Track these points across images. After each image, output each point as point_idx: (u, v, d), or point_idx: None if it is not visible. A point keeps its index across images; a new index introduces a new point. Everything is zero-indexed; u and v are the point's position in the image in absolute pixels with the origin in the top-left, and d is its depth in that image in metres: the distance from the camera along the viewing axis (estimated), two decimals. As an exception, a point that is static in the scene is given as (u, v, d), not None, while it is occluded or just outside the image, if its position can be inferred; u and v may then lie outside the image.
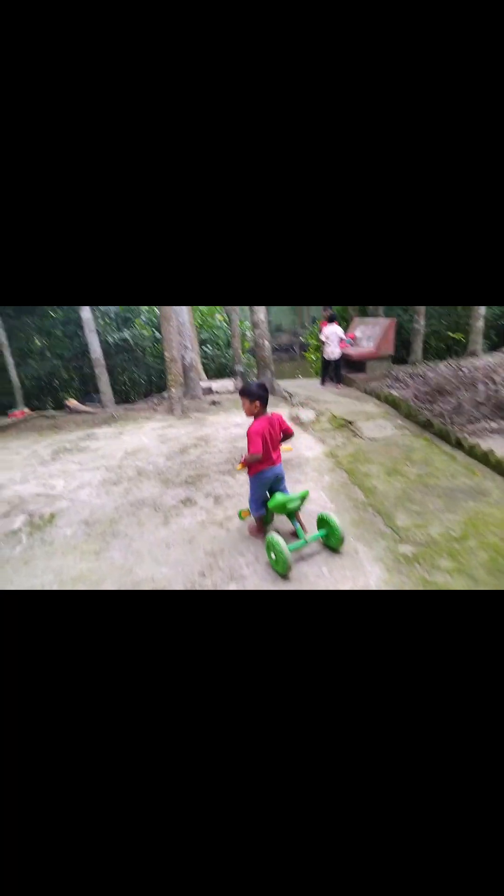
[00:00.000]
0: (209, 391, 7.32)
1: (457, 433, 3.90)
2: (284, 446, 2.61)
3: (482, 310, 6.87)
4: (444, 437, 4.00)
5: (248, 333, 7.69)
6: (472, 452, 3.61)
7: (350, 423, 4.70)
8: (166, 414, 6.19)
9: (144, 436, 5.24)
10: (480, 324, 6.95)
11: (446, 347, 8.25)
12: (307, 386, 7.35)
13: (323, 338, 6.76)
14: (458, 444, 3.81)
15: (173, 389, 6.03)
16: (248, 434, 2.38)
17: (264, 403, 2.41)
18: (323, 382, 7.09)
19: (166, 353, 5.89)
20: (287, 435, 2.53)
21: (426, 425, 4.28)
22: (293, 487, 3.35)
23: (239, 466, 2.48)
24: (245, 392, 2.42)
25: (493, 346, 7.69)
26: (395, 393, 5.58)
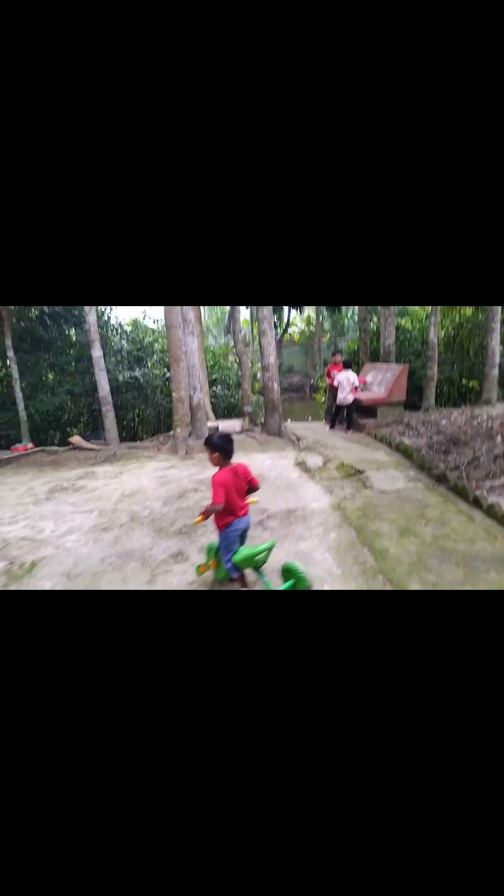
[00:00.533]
0: (215, 430, 7.20)
1: (474, 490, 3.62)
2: (250, 498, 2.51)
3: (497, 357, 6.74)
4: (460, 493, 3.71)
5: (260, 374, 7.75)
6: (492, 512, 3.31)
7: (360, 472, 4.46)
8: (170, 454, 6.04)
9: (145, 476, 5.05)
10: (495, 372, 6.80)
11: (458, 394, 8.08)
12: (316, 429, 7.19)
13: (335, 383, 6.67)
14: (476, 503, 3.51)
15: (178, 429, 5.90)
16: (212, 484, 2.28)
17: (226, 455, 2.35)
18: (332, 426, 6.93)
19: (174, 393, 5.82)
20: (252, 487, 2.47)
21: (441, 479, 4.01)
22: (296, 544, 3.07)
23: (198, 519, 2.30)
24: (207, 443, 2.37)
25: (507, 396, 7.50)
26: (406, 441, 5.35)
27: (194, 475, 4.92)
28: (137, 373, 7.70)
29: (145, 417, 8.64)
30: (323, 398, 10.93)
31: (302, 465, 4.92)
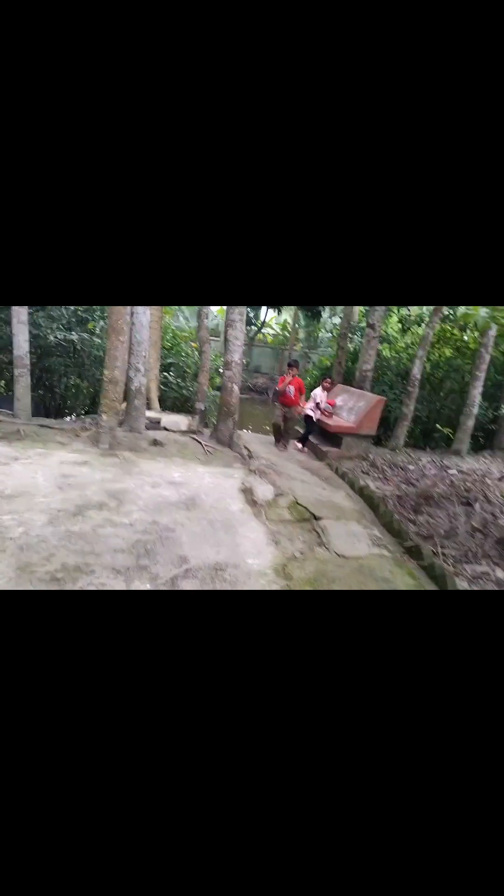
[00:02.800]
0: (156, 424, 6.05)
1: (453, 576, 2.86)
2: None
3: (475, 408, 6.25)
4: (434, 577, 2.94)
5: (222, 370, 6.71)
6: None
7: (315, 517, 3.58)
8: (90, 444, 4.83)
9: (44, 470, 3.82)
10: (471, 423, 6.31)
11: (425, 438, 7.58)
12: (272, 446, 6.28)
13: (312, 404, 6.03)
14: (455, 594, 2.75)
15: (104, 416, 4.71)
16: None
17: None
18: (303, 444, 6.15)
19: (106, 371, 4.62)
20: None
21: (412, 552, 3.23)
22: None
23: None
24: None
25: (475, 448, 7.09)
26: (372, 486, 4.58)
27: (109, 482, 3.78)
28: (74, 335, 6.33)
29: (75, 391, 7.25)
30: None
31: (248, 494, 3.96)
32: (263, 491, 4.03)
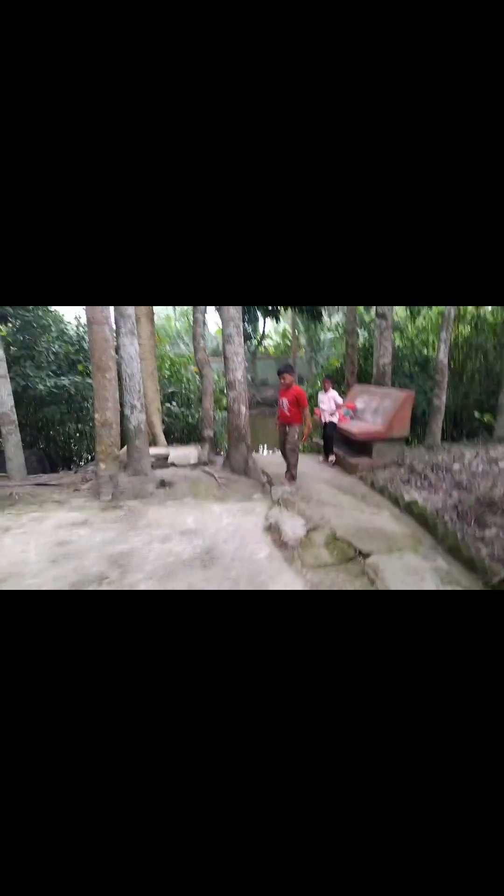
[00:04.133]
0: (163, 461, 5.51)
1: None
2: None
3: (515, 388, 5.48)
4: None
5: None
6: None
7: (362, 554, 2.91)
8: (91, 497, 4.30)
9: (38, 539, 3.29)
10: (512, 405, 5.53)
11: (463, 429, 6.82)
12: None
13: (324, 406, 5.34)
14: None
15: (102, 465, 4.18)
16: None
17: None
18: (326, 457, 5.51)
19: (97, 415, 4.12)
20: None
21: (496, 587, 2.51)
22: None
23: None
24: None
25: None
26: (419, 499, 3.87)
27: (111, 543, 3.21)
28: (66, 380, 5.93)
29: (78, 437, 6.82)
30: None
31: (275, 533, 3.32)
32: (293, 526, 3.38)
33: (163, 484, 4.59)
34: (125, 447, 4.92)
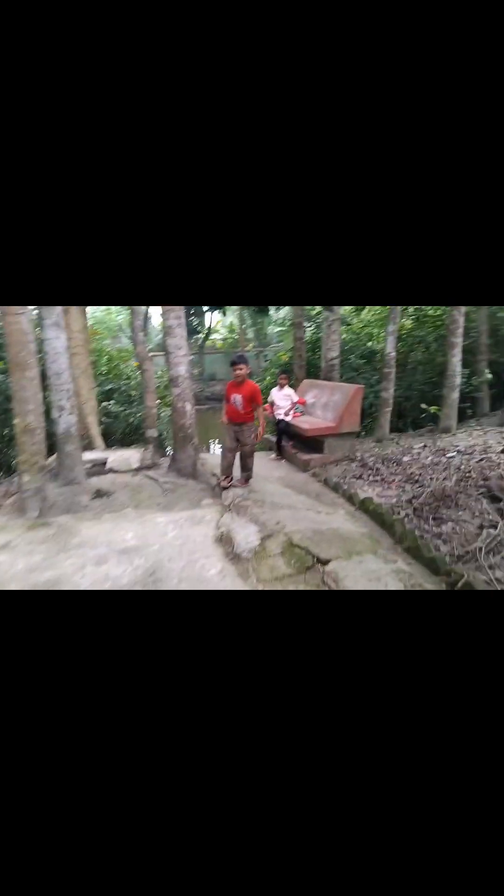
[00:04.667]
0: (101, 466, 5.00)
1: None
2: None
3: (458, 378, 5.61)
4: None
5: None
6: None
7: (321, 561, 2.70)
8: (14, 514, 3.75)
9: None
10: (455, 395, 5.66)
11: (399, 418, 6.92)
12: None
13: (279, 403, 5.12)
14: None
15: (26, 476, 3.65)
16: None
17: None
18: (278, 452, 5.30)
19: (17, 420, 3.57)
20: None
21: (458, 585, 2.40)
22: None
23: None
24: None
25: (460, 421, 6.47)
26: (373, 495, 3.76)
27: (38, 570, 2.75)
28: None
29: (4, 443, 6.07)
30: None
31: (227, 544, 3.03)
32: (246, 535, 3.11)
33: (99, 494, 4.12)
34: (55, 454, 4.37)
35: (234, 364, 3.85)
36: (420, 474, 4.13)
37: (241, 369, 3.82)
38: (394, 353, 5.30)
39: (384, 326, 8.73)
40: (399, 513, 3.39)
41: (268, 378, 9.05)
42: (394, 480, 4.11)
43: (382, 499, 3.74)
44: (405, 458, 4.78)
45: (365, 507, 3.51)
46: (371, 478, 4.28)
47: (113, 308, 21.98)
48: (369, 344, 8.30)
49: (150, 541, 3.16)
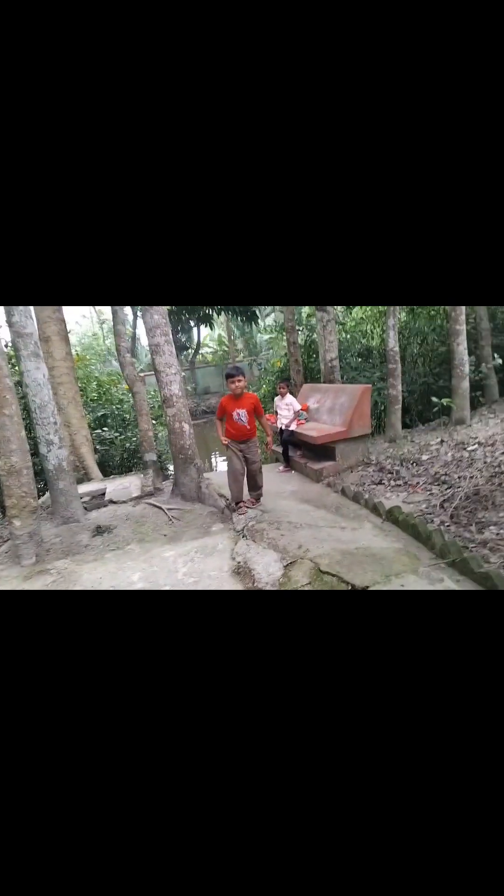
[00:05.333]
0: (99, 498, 4.66)
1: None
2: None
3: (466, 367, 5.31)
4: None
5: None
6: None
7: (357, 588, 2.35)
8: (9, 563, 3.40)
9: None
10: (466, 384, 5.36)
11: (404, 414, 6.61)
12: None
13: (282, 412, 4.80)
14: None
15: (16, 522, 3.30)
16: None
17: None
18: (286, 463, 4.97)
19: (0, 461, 3.23)
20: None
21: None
22: None
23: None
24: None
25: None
26: (400, 503, 3.42)
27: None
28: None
29: None
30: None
31: (245, 576, 2.68)
32: (266, 565, 2.76)
33: (99, 531, 3.77)
34: (47, 493, 4.04)
35: (230, 377, 3.43)
36: (445, 473, 3.79)
37: (239, 381, 3.41)
38: (397, 348, 5.01)
39: (377, 322, 8.50)
40: (433, 521, 3.04)
41: (263, 387, 8.76)
42: (418, 483, 3.78)
43: (410, 505, 3.40)
44: (424, 457, 4.45)
45: (394, 517, 3.16)
46: (392, 482, 3.94)
47: (100, 333, 21.83)
48: (364, 341, 8.04)
49: (159, 581, 2.80)
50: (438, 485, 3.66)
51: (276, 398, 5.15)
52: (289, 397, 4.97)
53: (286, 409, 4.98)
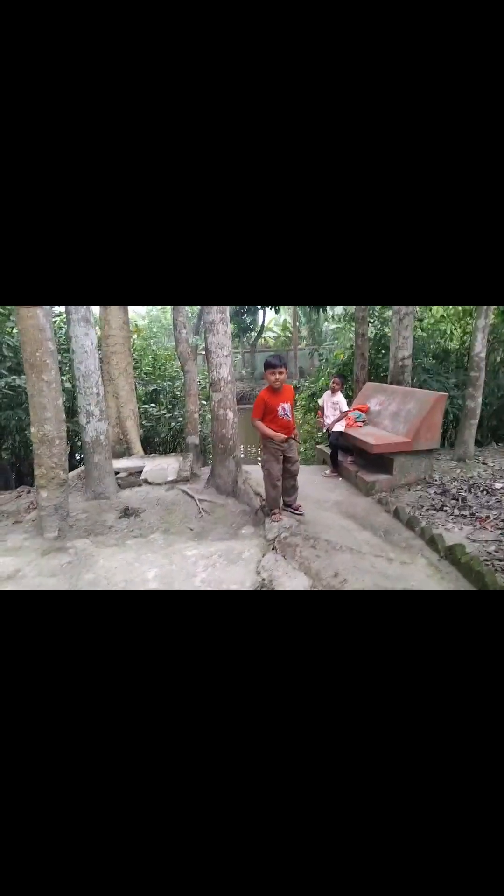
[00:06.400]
0: (136, 475, 4.52)
1: None
2: None
3: None
4: None
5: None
6: None
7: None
8: (33, 533, 3.33)
9: None
10: None
11: (486, 432, 5.81)
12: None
13: (328, 410, 4.32)
14: None
15: (43, 492, 3.19)
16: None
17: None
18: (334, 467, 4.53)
19: (33, 429, 3.12)
20: None
21: None
22: None
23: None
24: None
25: None
26: (463, 540, 2.87)
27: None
28: (21, 380, 4.95)
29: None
30: (300, 416, 8.51)
31: (267, 598, 2.33)
32: (294, 586, 2.39)
33: (126, 513, 3.61)
34: (80, 466, 3.94)
35: (272, 367, 2.94)
36: (525, 511, 3.16)
37: (281, 373, 2.95)
38: (483, 354, 4.30)
39: (461, 321, 7.56)
40: (500, 567, 2.49)
41: (322, 379, 8.22)
42: (488, 517, 3.19)
43: (476, 544, 2.85)
44: (498, 485, 3.80)
45: (454, 557, 2.64)
46: (456, 511, 3.38)
47: (168, 307, 22.10)
48: (441, 342, 7.20)
49: (174, 583, 2.55)
50: (515, 524, 3.05)
51: (325, 393, 4.64)
52: (339, 395, 4.45)
53: (333, 408, 4.48)
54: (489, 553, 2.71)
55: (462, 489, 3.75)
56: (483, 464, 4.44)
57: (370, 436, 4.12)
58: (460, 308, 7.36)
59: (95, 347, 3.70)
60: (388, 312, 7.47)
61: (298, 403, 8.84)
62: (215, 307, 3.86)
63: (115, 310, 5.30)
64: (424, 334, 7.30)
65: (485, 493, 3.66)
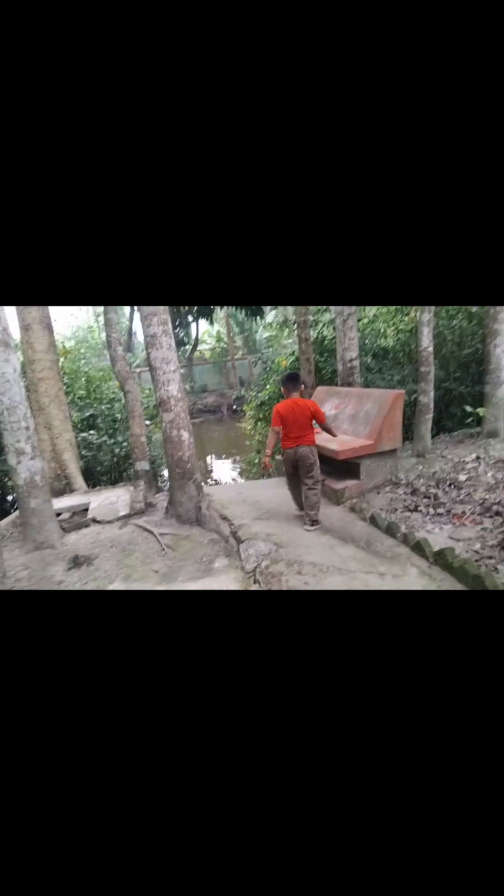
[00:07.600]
0: (81, 515, 3.97)
1: None
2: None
3: (503, 373, 4.67)
4: None
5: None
6: None
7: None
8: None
9: None
10: (502, 392, 4.72)
11: (435, 422, 5.96)
12: (256, 493, 4.35)
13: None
14: None
15: (-31, 556, 2.60)
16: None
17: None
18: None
19: None
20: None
21: None
22: None
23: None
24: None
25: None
26: (446, 539, 2.77)
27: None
28: None
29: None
30: (251, 426, 8.29)
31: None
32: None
33: (77, 562, 3.09)
34: (14, 511, 3.35)
35: (291, 381, 3.49)
36: (498, 501, 3.16)
37: (295, 389, 3.48)
38: (430, 349, 4.36)
39: (394, 319, 7.84)
40: (497, 569, 2.40)
41: (268, 387, 8.09)
42: (464, 514, 3.13)
43: (460, 543, 2.75)
44: (462, 477, 3.81)
45: (446, 562, 2.51)
46: (431, 510, 3.30)
47: (95, 325, 21.01)
48: (379, 341, 7.39)
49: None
50: (491, 516, 3.02)
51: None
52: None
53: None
54: (476, 552, 2.62)
55: (430, 486, 3.71)
56: (442, 457, 4.49)
57: (332, 441, 3.96)
58: (391, 308, 7.63)
59: (19, 375, 3.17)
60: (328, 315, 7.53)
61: (248, 414, 8.65)
62: (156, 319, 3.50)
63: (37, 330, 4.71)
64: (360, 334, 7.46)
65: (452, 487, 3.65)
